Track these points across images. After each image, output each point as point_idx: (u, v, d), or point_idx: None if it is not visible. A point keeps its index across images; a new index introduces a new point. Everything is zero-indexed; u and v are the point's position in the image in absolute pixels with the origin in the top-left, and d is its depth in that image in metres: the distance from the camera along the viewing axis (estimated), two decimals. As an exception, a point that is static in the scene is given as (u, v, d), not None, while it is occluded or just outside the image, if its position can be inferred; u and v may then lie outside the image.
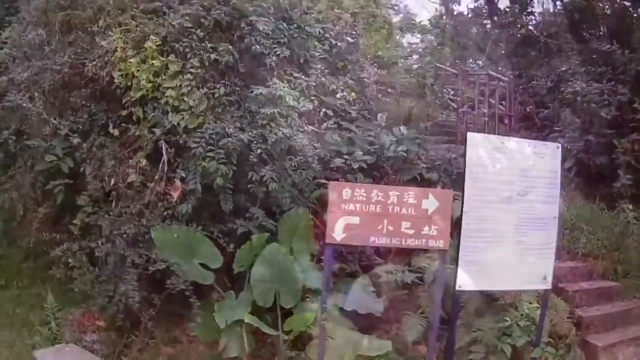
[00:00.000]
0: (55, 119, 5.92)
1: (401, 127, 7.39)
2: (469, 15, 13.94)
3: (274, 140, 5.60)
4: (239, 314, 5.18)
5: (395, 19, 15.29)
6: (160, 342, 5.63)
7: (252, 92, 5.85)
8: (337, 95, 6.94)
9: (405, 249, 5.02)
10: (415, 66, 14.05)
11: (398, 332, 5.56)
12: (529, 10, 12.39)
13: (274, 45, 6.17)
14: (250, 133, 5.67)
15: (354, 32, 8.40)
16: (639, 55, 9.07)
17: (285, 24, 6.43)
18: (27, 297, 6.50)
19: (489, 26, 13.63)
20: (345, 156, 6.56)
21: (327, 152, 6.37)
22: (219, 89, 5.83)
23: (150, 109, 5.78)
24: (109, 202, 5.86)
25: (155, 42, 5.75)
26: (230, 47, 5.94)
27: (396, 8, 15.71)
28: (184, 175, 5.64)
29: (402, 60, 14.11)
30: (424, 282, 5.66)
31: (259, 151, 5.60)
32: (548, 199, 4.87)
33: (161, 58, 5.75)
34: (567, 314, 5.81)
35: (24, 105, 5.80)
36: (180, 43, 5.78)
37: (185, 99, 5.68)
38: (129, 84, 5.75)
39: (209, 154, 5.50)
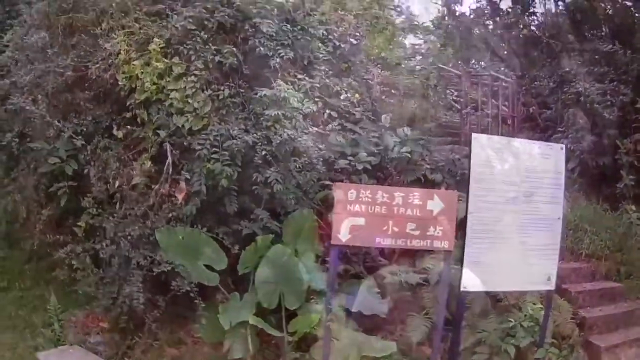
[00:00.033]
0: (58, 121, 5.90)
1: (405, 128, 7.39)
2: (471, 16, 13.88)
3: (278, 141, 5.59)
4: (243, 316, 5.19)
5: (398, 21, 15.22)
6: (164, 344, 5.63)
7: (256, 93, 5.85)
8: (341, 97, 6.91)
9: (410, 250, 5.04)
10: (418, 67, 13.98)
11: (403, 333, 5.55)
12: (531, 10, 12.33)
13: (278, 47, 6.15)
14: (254, 135, 5.66)
15: (357, 34, 8.36)
16: (641, 55, 9.07)
17: (289, 26, 6.41)
18: (30, 299, 6.50)
19: (491, 27, 13.59)
20: (350, 157, 6.55)
21: (331, 154, 6.35)
22: (223, 90, 5.83)
23: (155, 111, 5.78)
24: (113, 204, 5.84)
25: (159, 45, 5.74)
26: (234, 49, 5.94)
27: (399, 9, 15.65)
28: (188, 177, 5.64)
29: (405, 61, 14.02)
30: (429, 283, 5.65)
31: (263, 153, 5.59)
32: (552, 199, 4.89)
33: (165, 60, 5.75)
34: (571, 314, 5.81)
35: (27, 107, 5.78)
36: (184, 45, 5.78)
37: (190, 101, 5.68)
38: (133, 86, 5.75)
39: (214, 155, 5.49)
